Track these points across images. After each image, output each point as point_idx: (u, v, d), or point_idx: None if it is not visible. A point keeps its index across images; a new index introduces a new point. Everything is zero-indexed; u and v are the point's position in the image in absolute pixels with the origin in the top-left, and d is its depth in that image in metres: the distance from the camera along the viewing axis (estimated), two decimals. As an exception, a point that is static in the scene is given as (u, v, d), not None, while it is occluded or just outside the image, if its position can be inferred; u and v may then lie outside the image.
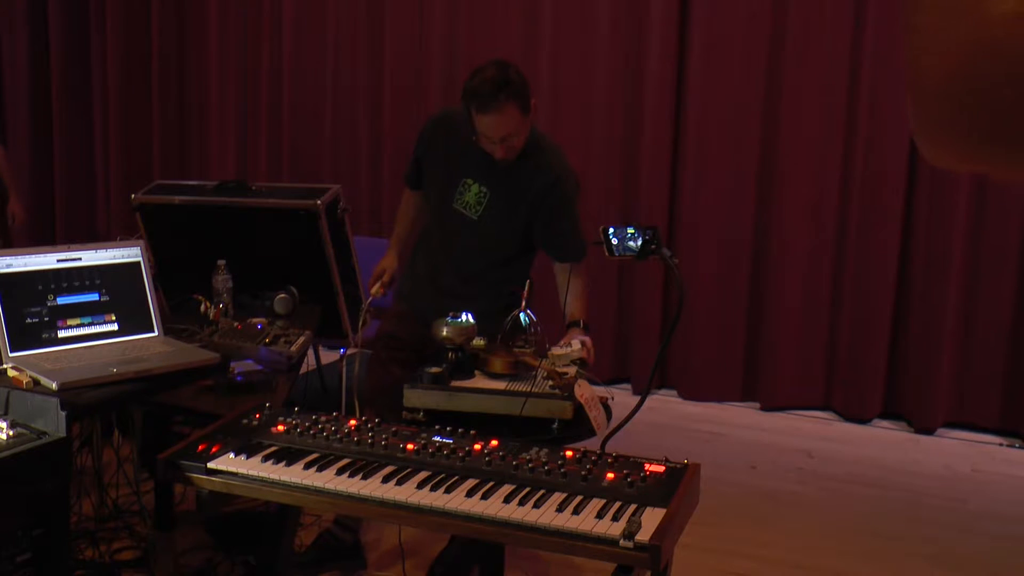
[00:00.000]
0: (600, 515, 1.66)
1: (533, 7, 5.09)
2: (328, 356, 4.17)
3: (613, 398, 2.49)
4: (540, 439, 2.08)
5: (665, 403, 4.87)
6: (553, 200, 2.75)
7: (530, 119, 2.66)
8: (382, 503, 1.77)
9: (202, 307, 2.99)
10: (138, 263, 2.60)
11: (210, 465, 1.90)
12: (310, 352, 3.37)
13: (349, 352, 3.49)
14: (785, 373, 4.80)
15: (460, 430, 2.03)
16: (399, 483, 1.81)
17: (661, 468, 1.85)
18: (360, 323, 2.88)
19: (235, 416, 2.13)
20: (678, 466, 1.86)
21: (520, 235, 2.80)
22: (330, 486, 1.82)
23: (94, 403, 2.20)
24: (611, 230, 2.18)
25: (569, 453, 1.90)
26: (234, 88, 6.00)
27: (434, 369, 2.38)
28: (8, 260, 2.35)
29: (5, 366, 2.25)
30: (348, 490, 1.80)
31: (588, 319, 2.74)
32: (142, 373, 2.31)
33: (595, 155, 4.97)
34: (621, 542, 1.58)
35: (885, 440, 4.50)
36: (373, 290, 2.97)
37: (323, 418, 2.10)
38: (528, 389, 2.31)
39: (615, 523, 1.63)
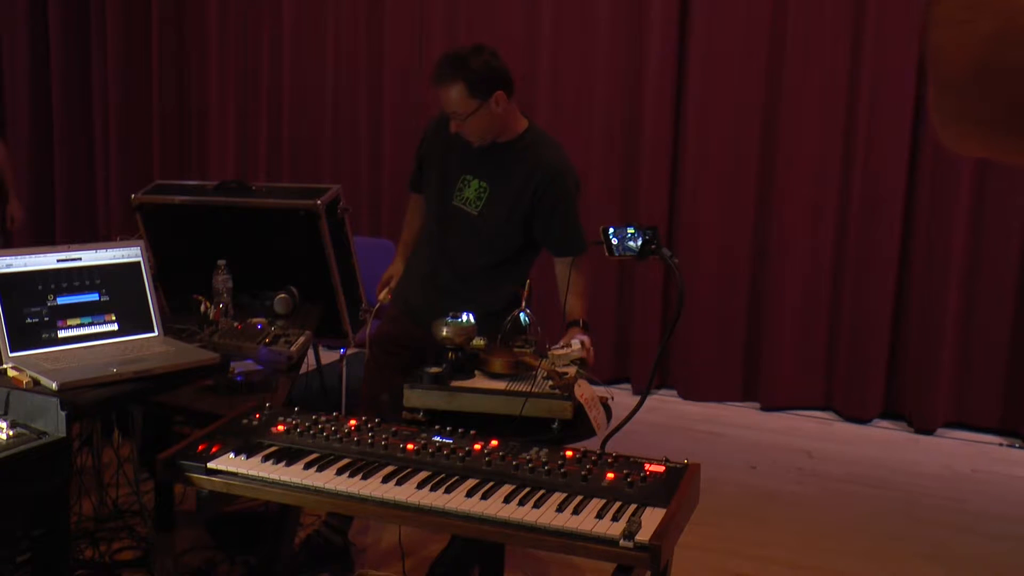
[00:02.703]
0: (600, 515, 1.66)
1: (533, 7, 5.09)
2: (328, 356, 4.17)
3: (613, 398, 2.49)
4: (540, 439, 2.08)
5: (665, 403, 4.87)
6: (552, 195, 2.75)
7: (491, 108, 2.65)
8: (382, 503, 1.77)
9: (202, 307, 2.99)
10: (138, 263, 2.59)
11: (210, 465, 1.90)
12: (310, 352, 3.37)
13: (349, 352, 3.49)
14: (785, 373, 4.80)
15: (460, 430, 2.03)
16: (399, 483, 1.81)
17: (661, 468, 1.85)
18: (367, 328, 2.88)
19: (235, 416, 2.13)
20: (678, 466, 1.86)
21: (520, 231, 2.79)
22: (330, 486, 1.82)
23: (94, 403, 2.19)
24: (611, 230, 2.18)
25: (569, 453, 1.90)
26: (234, 88, 6.00)
27: (434, 369, 2.38)
28: (8, 260, 2.35)
29: (5, 366, 2.25)
30: (348, 490, 1.80)
31: (588, 318, 2.74)
32: (142, 373, 2.31)
33: (595, 155, 4.97)
34: (621, 542, 1.58)
35: (885, 440, 4.50)
36: (381, 296, 2.98)
37: (323, 418, 2.10)
38: (528, 389, 2.31)
39: (615, 523, 1.63)
